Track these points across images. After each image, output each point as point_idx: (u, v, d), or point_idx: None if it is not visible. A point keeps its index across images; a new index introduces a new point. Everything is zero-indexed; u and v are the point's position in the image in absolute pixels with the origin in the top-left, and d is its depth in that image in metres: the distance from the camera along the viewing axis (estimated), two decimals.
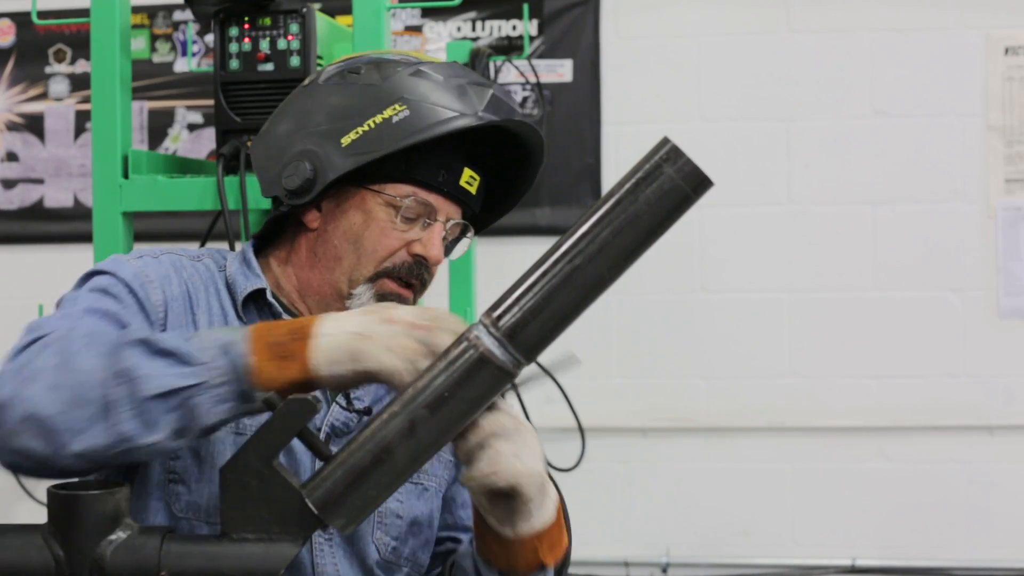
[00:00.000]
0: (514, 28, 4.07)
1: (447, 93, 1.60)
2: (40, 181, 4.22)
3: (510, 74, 3.78)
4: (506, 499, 1.40)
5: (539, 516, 1.43)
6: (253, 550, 1.22)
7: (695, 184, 1.17)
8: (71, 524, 1.20)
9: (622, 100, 4.04)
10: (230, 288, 1.64)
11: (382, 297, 1.62)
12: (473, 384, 1.20)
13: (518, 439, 1.37)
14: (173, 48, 4.19)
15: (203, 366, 1.32)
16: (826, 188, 3.97)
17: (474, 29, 4.10)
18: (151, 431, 1.31)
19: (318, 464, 1.36)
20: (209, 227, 2.45)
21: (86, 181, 4.14)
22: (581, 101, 4.04)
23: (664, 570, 3.98)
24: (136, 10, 4.08)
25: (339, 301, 1.64)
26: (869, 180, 3.96)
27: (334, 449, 1.28)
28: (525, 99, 4.03)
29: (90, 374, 1.33)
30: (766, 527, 3.99)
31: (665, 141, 1.18)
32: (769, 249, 3.99)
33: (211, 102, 2.42)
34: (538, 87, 3.88)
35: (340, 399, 1.63)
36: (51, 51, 4.22)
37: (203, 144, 4.15)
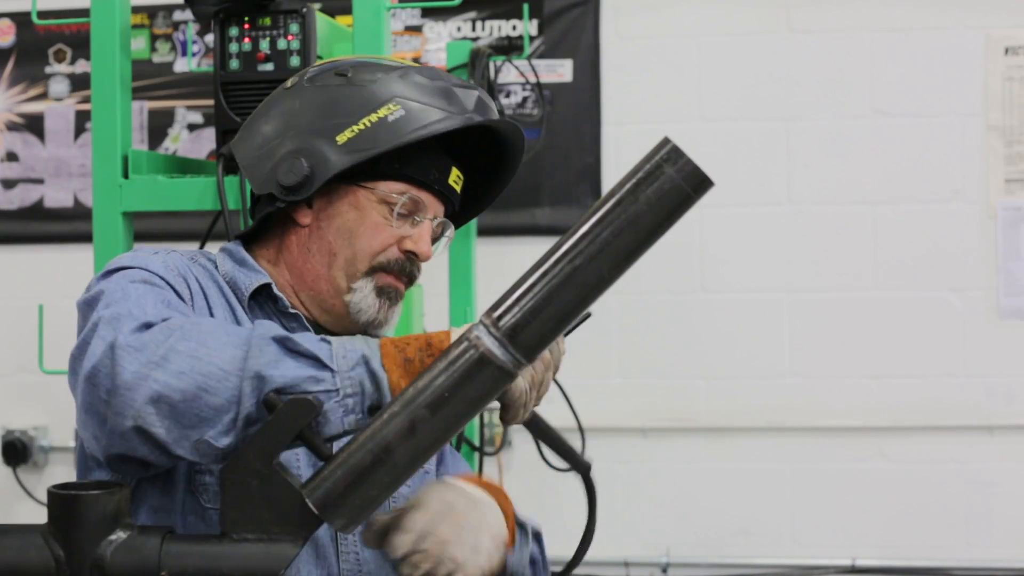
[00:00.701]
0: (514, 28, 4.07)
1: (436, 94, 1.64)
2: (40, 181, 4.22)
3: (510, 74, 3.78)
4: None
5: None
6: (253, 550, 1.22)
7: (695, 184, 1.17)
8: (71, 524, 1.20)
9: (622, 100, 4.04)
10: (231, 286, 1.66)
11: (381, 290, 1.66)
12: (473, 384, 1.21)
13: (465, 517, 1.44)
14: (173, 48, 4.19)
15: (339, 374, 1.34)
16: (826, 188, 3.97)
17: (474, 29, 4.10)
18: None
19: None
20: (209, 227, 2.45)
21: (86, 181, 4.14)
22: (581, 101, 4.04)
23: (664, 570, 3.98)
24: (136, 10, 4.08)
25: (336, 296, 1.66)
26: (869, 180, 3.96)
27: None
28: (525, 99, 4.03)
29: (222, 365, 1.34)
30: (766, 527, 3.99)
31: (665, 141, 1.18)
32: (769, 249, 3.99)
33: (211, 102, 2.42)
34: (538, 87, 3.87)
35: None
36: (51, 51, 4.22)
37: (203, 144, 4.15)
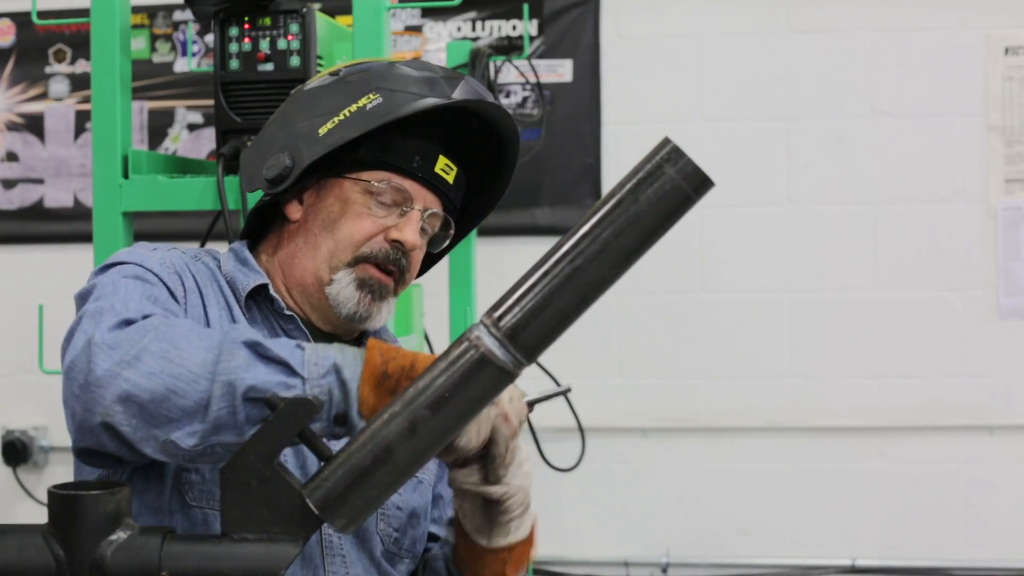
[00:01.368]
0: (514, 28, 4.07)
1: (419, 83, 1.63)
2: (40, 181, 4.22)
3: (510, 74, 3.78)
4: (491, 510, 1.44)
5: (516, 532, 1.50)
6: (253, 550, 1.22)
7: (696, 184, 1.17)
8: (71, 524, 1.20)
9: (622, 100, 4.04)
10: (231, 285, 1.66)
11: (362, 282, 1.65)
12: (474, 384, 1.20)
13: (517, 454, 1.40)
14: (173, 48, 4.19)
15: (308, 381, 1.34)
16: (826, 188, 3.97)
17: (474, 29, 4.10)
18: (240, 432, 1.34)
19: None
20: (209, 227, 2.45)
21: (86, 181, 4.14)
22: (581, 101, 4.04)
23: (664, 570, 3.98)
24: (136, 10, 4.08)
25: (319, 289, 1.66)
26: (869, 180, 3.96)
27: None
28: (525, 99, 4.03)
29: (193, 367, 1.35)
30: (766, 527, 3.99)
31: (666, 141, 1.18)
32: (769, 249, 3.99)
33: (211, 102, 2.42)
34: (538, 87, 3.87)
35: None
36: (51, 51, 4.22)
37: (203, 144, 4.15)
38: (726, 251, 4.00)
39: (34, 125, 4.22)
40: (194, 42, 4.13)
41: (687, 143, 1.22)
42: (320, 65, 2.23)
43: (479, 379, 1.20)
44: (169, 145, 4.17)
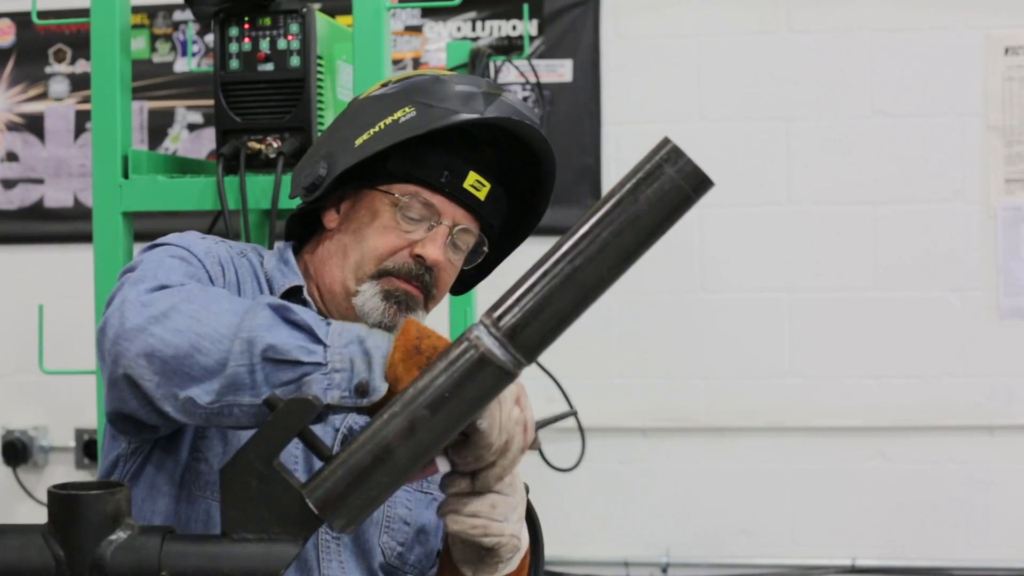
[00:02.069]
0: (514, 28, 4.07)
1: (455, 97, 1.61)
2: (40, 181, 4.22)
3: (510, 74, 3.78)
4: (480, 551, 1.43)
5: (503, 570, 1.48)
6: (253, 550, 1.21)
7: (695, 184, 1.16)
8: (71, 524, 1.20)
9: (622, 100, 4.04)
10: (269, 284, 1.67)
11: (388, 294, 1.64)
12: (474, 384, 1.20)
13: (512, 497, 1.42)
14: (173, 48, 4.19)
15: (329, 348, 1.33)
16: (826, 188, 3.97)
17: (474, 29, 4.10)
18: (256, 391, 1.33)
19: None
20: (209, 227, 2.45)
21: (86, 181, 4.14)
22: (581, 101, 4.04)
23: (664, 570, 3.98)
24: (136, 10, 4.08)
25: (346, 299, 1.66)
26: (869, 180, 3.96)
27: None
28: (525, 99, 4.03)
29: (221, 327, 1.35)
30: (766, 527, 3.99)
31: (665, 141, 1.18)
32: (769, 249, 3.99)
33: (211, 102, 2.42)
34: (538, 87, 3.87)
35: None
36: (51, 51, 4.22)
37: (203, 144, 4.15)
38: (726, 251, 4.00)
39: (34, 125, 4.22)
40: (194, 42, 4.13)
41: (687, 143, 1.22)
42: (320, 65, 2.23)
43: (479, 379, 1.20)
44: (169, 145, 4.17)
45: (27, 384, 4.14)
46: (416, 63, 4.12)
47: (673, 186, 1.16)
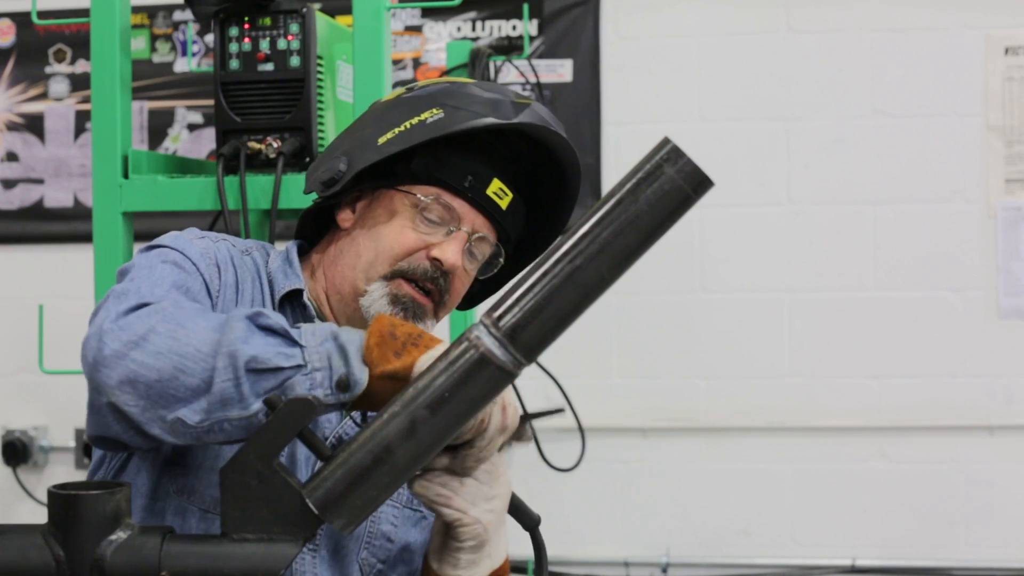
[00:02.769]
0: (514, 28, 4.07)
1: (485, 103, 1.60)
2: (40, 181, 4.22)
3: (510, 74, 3.78)
4: (444, 535, 1.45)
5: (466, 568, 1.46)
6: (253, 550, 1.22)
7: (695, 184, 1.17)
8: (71, 524, 1.20)
9: (622, 100, 4.04)
10: (271, 284, 1.65)
11: (395, 298, 1.62)
12: (474, 384, 1.20)
13: (488, 487, 1.42)
14: (173, 48, 4.19)
15: (306, 349, 1.34)
16: (826, 188, 3.97)
17: (474, 29, 4.10)
18: (244, 404, 1.33)
19: None
20: (209, 227, 2.45)
21: (86, 181, 4.14)
22: (581, 101, 4.04)
23: (664, 570, 3.98)
24: (136, 10, 4.08)
25: (354, 299, 1.64)
26: (869, 180, 3.96)
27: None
28: None
29: (200, 345, 1.35)
30: (766, 527, 3.99)
31: (665, 141, 1.18)
32: (769, 249, 3.99)
33: (211, 102, 2.42)
34: (538, 87, 3.87)
35: (355, 414, 1.63)
36: (51, 51, 4.22)
37: (203, 144, 4.15)
38: (726, 251, 4.00)
39: (34, 125, 4.22)
40: (194, 42, 4.13)
41: (687, 143, 1.22)
42: (320, 65, 2.23)
43: (479, 379, 1.20)
44: (169, 145, 4.17)
45: (27, 384, 4.14)
46: (416, 63, 4.12)
47: (673, 186, 1.16)
